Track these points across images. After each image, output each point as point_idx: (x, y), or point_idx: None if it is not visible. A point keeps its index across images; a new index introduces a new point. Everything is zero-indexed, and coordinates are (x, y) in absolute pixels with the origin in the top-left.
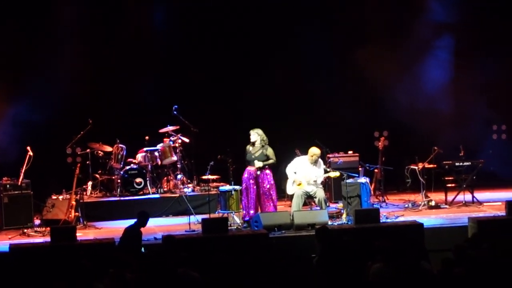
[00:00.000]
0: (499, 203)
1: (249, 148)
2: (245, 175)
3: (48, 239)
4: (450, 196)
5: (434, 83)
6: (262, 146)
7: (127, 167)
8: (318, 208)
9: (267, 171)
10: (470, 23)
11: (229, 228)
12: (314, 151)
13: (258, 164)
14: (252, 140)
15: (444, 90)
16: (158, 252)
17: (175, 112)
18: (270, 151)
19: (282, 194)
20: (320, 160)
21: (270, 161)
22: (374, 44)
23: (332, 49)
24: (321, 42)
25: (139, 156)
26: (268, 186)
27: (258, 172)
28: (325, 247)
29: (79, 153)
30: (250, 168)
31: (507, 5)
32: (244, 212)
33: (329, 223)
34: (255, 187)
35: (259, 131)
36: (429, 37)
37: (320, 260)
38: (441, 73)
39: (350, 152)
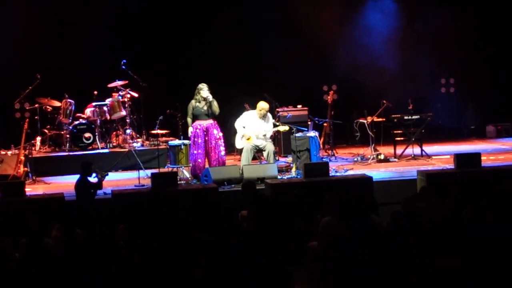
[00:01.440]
0: (448, 156)
1: (195, 103)
2: (194, 129)
3: None
4: (399, 150)
5: (379, 34)
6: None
7: (76, 122)
8: (267, 162)
9: (216, 124)
10: None
11: (178, 182)
12: (263, 105)
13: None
14: (205, 95)
15: (391, 42)
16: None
17: (123, 67)
18: (215, 103)
19: (232, 149)
20: (269, 114)
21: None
22: None
23: (276, 2)
24: None
25: (88, 111)
26: (216, 139)
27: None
28: (252, 202)
29: (27, 108)
30: (199, 122)
31: None
32: (192, 166)
33: (279, 177)
34: (203, 141)
35: (206, 85)
36: None
37: (249, 214)
38: (386, 23)
39: (299, 106)
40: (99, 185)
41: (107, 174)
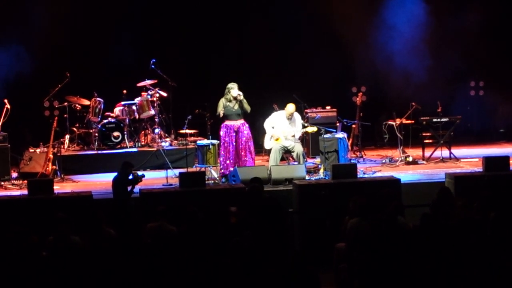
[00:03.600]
0: (476, 159)
1: (225, 102)
2: (224, 129)
3: (25, 192)
4: (428, 152)
5: (408, 36)
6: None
7: (105, 121)
8: (296, 162)
9: (246, 124)
10: None
11: (206, 182)
12: (292, 106)
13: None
14: (234, 94)
15: (420, 44)
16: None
17: (152, 66)
18: (245, 102)
19: (260, 149)
20: (298, 115)
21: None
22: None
23: (305, 5)
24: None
25: (117, 110)
26: (246, 139)
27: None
28: (254, 205)
29: (56, 106)
30: (229, 123)
31: None
32: (222, 166)
33: (307, 177)
34: (234, 141)
35: (236, 84)
36: None
37: (249, 216)
38: (415, 25)
39: (328, 107)
40: (134, 183)
41: (143, 176)
